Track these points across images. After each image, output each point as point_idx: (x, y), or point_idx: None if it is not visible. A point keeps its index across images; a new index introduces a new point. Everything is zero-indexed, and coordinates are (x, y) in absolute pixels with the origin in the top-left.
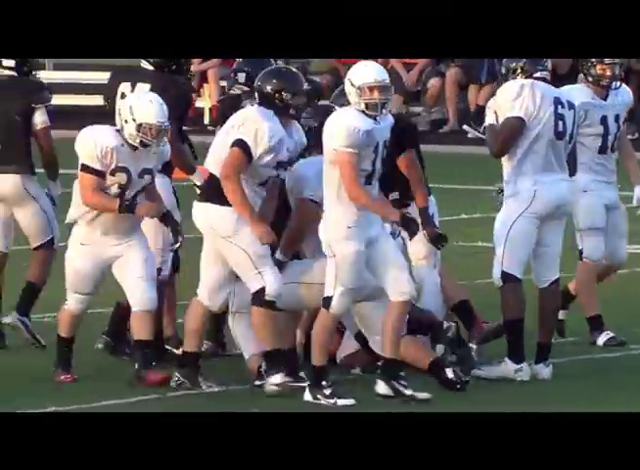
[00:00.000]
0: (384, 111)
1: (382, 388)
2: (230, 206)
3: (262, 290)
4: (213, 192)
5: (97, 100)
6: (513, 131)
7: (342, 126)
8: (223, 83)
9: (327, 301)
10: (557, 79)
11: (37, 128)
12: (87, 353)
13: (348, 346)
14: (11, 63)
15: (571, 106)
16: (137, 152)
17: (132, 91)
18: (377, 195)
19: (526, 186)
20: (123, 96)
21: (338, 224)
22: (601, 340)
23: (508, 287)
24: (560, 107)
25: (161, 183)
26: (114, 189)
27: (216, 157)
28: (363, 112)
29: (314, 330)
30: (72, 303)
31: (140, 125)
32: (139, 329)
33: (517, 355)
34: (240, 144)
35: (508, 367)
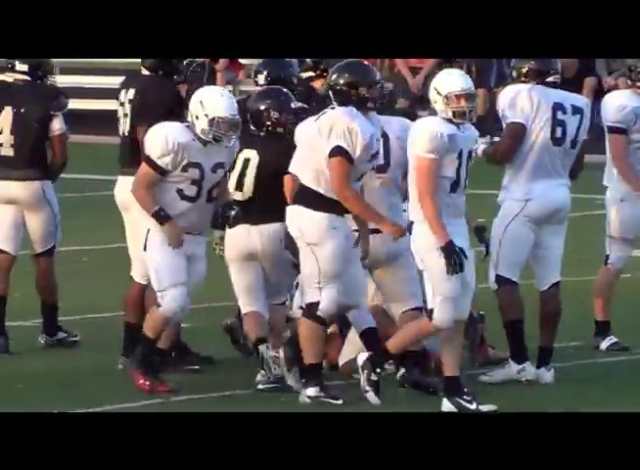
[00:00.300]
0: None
1: (446, 406)
2: (324, 212)
3: (316, 304)
4: (306, 196)
5: (101, 104)
6: (515, 137)
7: (425, 131)
8: (229, 88)
9: (429, 313)
10: (563, 83)
11: (54, 134)
12: (89, 358)
13: (348, 352)
14: (24, 67)
15: (577, 111)
16: (208, 146)
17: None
18: (462, 203)
19: (520, 191)
20: (122, 104)
21: (427, 235)
22: (604, 344)
23: (503, 290)
24: (560, 112)
25: None
26: (189, 185)
27: (301, 163)
28: (450, 120)
29: (409, 328)
30: (169, 301)
31: (212, 120)
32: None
33: (519, 356)
34: (339, 151)
35: (511, 369)
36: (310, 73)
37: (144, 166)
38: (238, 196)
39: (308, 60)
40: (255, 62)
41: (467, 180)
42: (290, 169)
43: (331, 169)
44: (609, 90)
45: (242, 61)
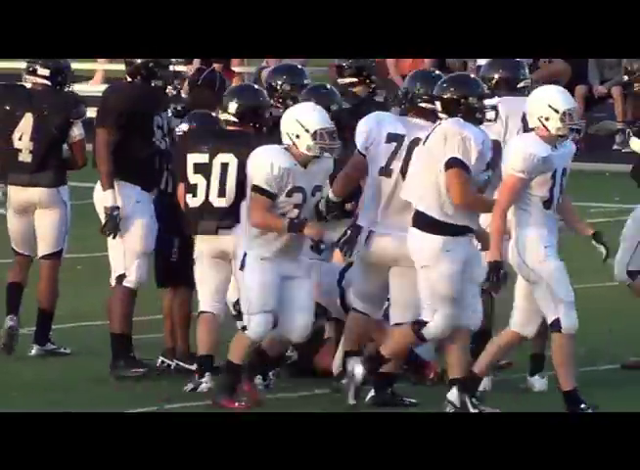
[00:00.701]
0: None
1: (453, 395)
2: (438, 234)
3: (423, 323)
4: (421, 221)
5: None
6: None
7: (519, 149)
8: None
9: (555, 324)
10: None
11: (74, 140)
12: (83, 366)
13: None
14: (46, 72)
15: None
16: (308, 168)
17: None
18: (553, 222)
19: None
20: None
21: (534, 246)
22: None
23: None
24: None
25: (139, 193)
26: (291, 209)
27: (414, 190)
28: (549, 139)
29: (554, 355)
30: (254, 327)
31: (315, 133)
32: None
33: None
34: (454, 162)
35: None
36: (353, 79)
37: (254, 196)
38: (221, 203)
39: (345, 64)
40: (248, 70)
41: (560, 198)
42: (403, 196)
43: (449, 181)
44: (600, 98)
45: (235, 69)
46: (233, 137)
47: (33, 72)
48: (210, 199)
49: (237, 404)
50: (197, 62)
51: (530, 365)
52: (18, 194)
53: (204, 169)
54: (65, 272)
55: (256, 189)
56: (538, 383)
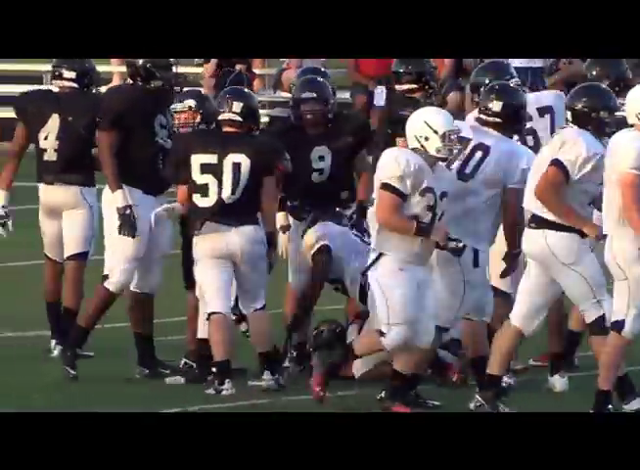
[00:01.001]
0: None
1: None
2: (570, 232)
3: (601, 318)
4: (543, 221)
5: None
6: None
7: (631, 148)
8: None
9: (619, 324)
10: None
11: None
12: (106, 367)
13: (364, 362)
14: (72, 74)
15: (545, 110)
16: (435, 172)
17: None
18: None
19: None
20: None
21: (627, 246)
22: None
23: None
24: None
25: (140, 197)
26: (425, 212)
27: (531, 193)
28: None
29: (604, 353)
30: (394, 336)
31: (444, 135)
32: (402, 361)
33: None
34: (557, 163)
35: None
36: (412, 86)
37: (383, 194)
38: (233, 201)
39: (403, 70)
40: (269, 72)
41: None
42: (525, 207)
43: (540, 180)
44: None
45: (256, 71)
46: (238, 139)
47: (59, 76)
48: (223, 196)
49: (318, 389)
50: (214, 62)
51: (549, 365)
52: (45, 194)
53: (213, 169)
54: (88, 274)
55: (387, 187)
56: (559, 383)
